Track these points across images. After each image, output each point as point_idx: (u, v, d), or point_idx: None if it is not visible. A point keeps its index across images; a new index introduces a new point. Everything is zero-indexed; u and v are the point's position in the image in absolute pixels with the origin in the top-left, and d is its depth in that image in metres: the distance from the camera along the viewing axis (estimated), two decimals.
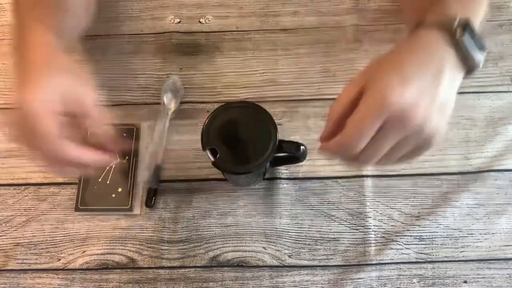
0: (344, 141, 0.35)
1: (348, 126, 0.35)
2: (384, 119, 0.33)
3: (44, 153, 0.39)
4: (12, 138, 0.40)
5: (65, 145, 0.39)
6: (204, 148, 0.45)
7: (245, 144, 0.45)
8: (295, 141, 0.48)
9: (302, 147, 0.47)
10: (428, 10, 0.39)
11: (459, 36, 0.35)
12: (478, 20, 0.38)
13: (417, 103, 0.33)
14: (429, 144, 0.36)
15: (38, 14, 0.44)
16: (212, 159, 0.44)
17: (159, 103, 0.59)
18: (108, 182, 0.55)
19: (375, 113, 0.33)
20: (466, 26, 0.36)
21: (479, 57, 0.36)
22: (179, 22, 0.64)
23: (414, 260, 0.52)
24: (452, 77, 0.35)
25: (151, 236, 0.54)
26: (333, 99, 0.58)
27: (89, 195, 0.55)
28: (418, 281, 0.52)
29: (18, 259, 0.54)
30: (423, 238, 0.53)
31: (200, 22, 0.64)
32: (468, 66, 0.36)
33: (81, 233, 0.55)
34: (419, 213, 0.54)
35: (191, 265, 0.53)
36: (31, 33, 0.42)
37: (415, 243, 0.53)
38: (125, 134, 0.57)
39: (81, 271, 0.53)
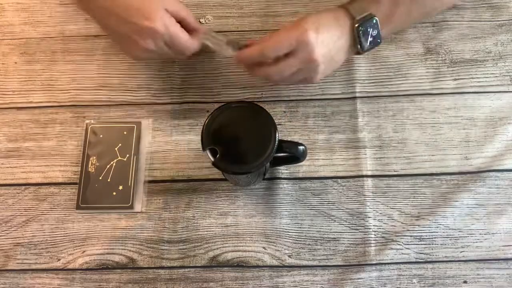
0: (261, 48, 0.48)
1: (270, 39, 0.48)
2: (294, 48, 0.47)
3: (178, 55, 0.52)
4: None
5: (191, 42, 0.51)
6: (204, 148, 0.45)
7: (245, 144, 0.45)
8: (295, 141, 0.48)
9: (302, 147, 0.47)
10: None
11: (356, 26, 0.50)
12: (395, 19, 0.52)
13: (319, 50, 0.47)
14: (312, 80, 0.51)
15: None
16: (212, 159, 0.44)
17: (159, 103, 0.59)
18: (109, 180, 0.55)
19: (291, 40, 0.47)
20: (367, 22, 0.50)
21: (368, 45, 0.51)
22: None
23: (414, 260, 0.52)
24: (345, 47, 0.51)
25: (151, 236, 0.54)
26: (333, 99, 0.59)
27: (90, 193, 0.55)
28: (418, 281, 0.52)
29: (18, 259, 0.54)
30: (423, 238, 0.53)
31: (200, 22, 0.64)
32: (357, 48, 0.51)
33: (81, 233, 0.55)
34: (419, 213, 0.54)
35: (191, 265, 0.53)
36: None
37: (415, 243, 0.53)
38: (125, 132, 0.57)
39: (81, 271, 0.53)
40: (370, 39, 0.51)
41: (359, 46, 0.51)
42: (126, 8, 0.47)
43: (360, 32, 0.50)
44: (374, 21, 0.50)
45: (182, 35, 0.49)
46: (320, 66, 0.49)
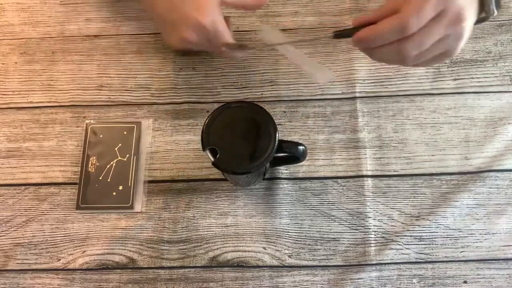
0: (400, 20, 0.37)
1: (406, 8, 0.37)
2: (443, 7, 0.37)
3: (214, 50, 0.52)
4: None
5: (235, 52, 0.51)
6: (204, 148, 0.45)
7: (245, 144, 0.45)
8: (295, 141, 0.48)
9: (302, 147, 0.47)
10: None
11: None
12: None
13: (468, 10, 0.38)
14: (452, 53, 0.41)
15: None
16: (212, 159, 0.44)
17: (159, 103, 0.59)
18: (109, 180, 0.55)
19: (436, 3, 0.36)
20: None
21: (494, 6, 0.43)
22: None
23: (414, 260, 0.52)
24: (475, 11, 0.41)
25: (151, 236, 0.54)
26: (334, 99, 0.59)
27: (90, 193, 0.55)
28: (418, 281, 0.52)
29: (18, 259, 0.54)
30: (423, 238, 0.53)
31: None
32: (484, 12, 0.43)
33: (81, 233, 0.55)
34: (419, 213, 0.54)
35: (191, 265, 0.53)
36: None
37: (415, 243, 0.53)
38: (125, 132, 0.57)
39: (81, 271, 0.53)
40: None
41: (487, 7, 0.43)
42: None
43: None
44: None
45: (226, 36, 0.49)
46: (466, 30, 0.39)
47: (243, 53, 0.55)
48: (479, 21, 0.44)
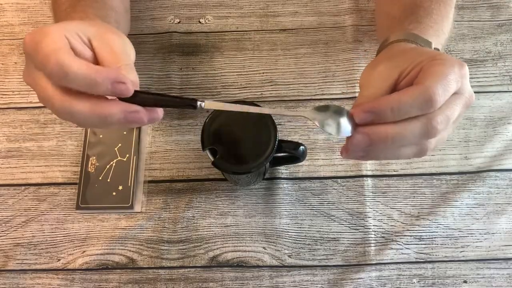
0: (419, 91, 0.31)
1: (435, 80, 0.31)
2: (461, 85, 0.33)
3: (49, 73, 0.30)
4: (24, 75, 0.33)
5: (73, 59, 0.30)
6: (204, 148, 0.45)
7: (245, 144, 0.45)
8: (295, 141, 0.48)
9: (301, 147, 0.47)
10: (393, 30, 0.42)
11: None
12: (438, 38, 0.43)
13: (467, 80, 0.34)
14: (452, 130, 0.35)
15: (82, 9, 0.40)
16: (212, 159, 0.44)
17: None
18: (109, 180, 0.55)
19: (456, 76, 0.32)
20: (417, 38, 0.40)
21: None
22: (179, 22, 0.64)
23: (414, 260, 0.52)
24: None
25: (151, 236, 0.54)
26: (333, 99, 0.59)
27: (90, 194, 0.55)
28: (418, 281, 0.52)
29: (18, 259, 0.54)
30: (423, 238, 0.53)
31: (200, 22, 0.64)
32: None
33: (81, 233, 0.55)
34: (419, 213, 0.54)
35: (191, 265, 0.53)
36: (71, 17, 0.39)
37: (415, 243, 0.53)
38: (125, 132, 0.57)
39: (81, 271, 0.53)
40: None
41: None
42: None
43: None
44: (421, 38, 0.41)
45: (51, 40, 0.30)
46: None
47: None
48: None
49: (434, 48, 0.41)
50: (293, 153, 0.47)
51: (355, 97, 0.59)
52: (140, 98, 0.32)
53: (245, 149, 0.45)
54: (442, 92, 0.31)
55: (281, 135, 0.51)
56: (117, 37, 0.34)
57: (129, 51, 0.35)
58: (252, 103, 0.46)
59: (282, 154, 0.49)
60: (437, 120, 0.31)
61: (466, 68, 0.33)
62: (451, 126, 0.34)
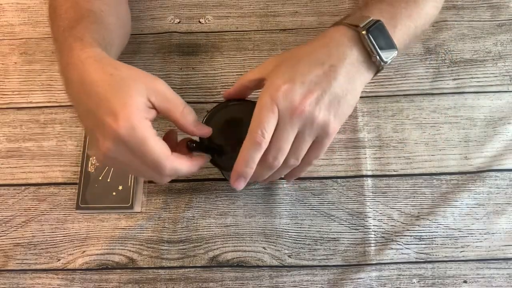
0: (249, 143, 0.38)
1: (249, 130, 0.38)
2: (278, 117, 0.37)
3: (153, 173, 0.38)
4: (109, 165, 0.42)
5: (172, 162, 0.38)
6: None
7: (243, 141, 0.45)
8: None
9: None
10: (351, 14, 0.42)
11: (363, 33, 0.38)
12: (402, 26, 0.41)
13: (303, 99, 0.37)
14: (326, 135, 0.39)
15: (79, 32, 0.42)
16: (211, 157, 0.44)
17: None
18: (108, 180, 0.55)
19: (267, 111, 0.37)
20: (374, 25, 0.38)
21: (385, 54, 0.39)
22: (179, 22, 0.64)
23: (414, 260, 0.52)
24: (352, 73, 0.38)
25: (151, 236, 0.54)
26: None
27: (90, 194, 0.55)
28: (418, 281, 0.52)
29: (18, 259, 0.54)
30: (423, 238, 0.53)
31: (200, 22, 0.64)
32: (374, 63, 0.39)
33: (81, 233, 0.55)
34: (419, 213, 0.54)
35: (191, 265, 0.53)
36: (74, 52, 0.39)
37: (415, 243, 0.53)
38: None
39: (81, 271, 0.53)
40: (383, 40, 0.39)
41: (376, 56, 0.39)
42: (95, 95, 0.36)
43: (372, 37, 0.39)
44: (381, 25, 0.39)
45: (157, 147, 0.36)
46: (319, 116, 0.38)
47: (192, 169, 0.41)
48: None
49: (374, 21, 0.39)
50: None
51: None
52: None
53: None
54: (260, 134, 0.37)
55: None
56: (162, 83, 0.39)
57: (173, 92, 0.40)
58: (250, 101, 0.46)
59: None
60: (268, 158, 0.39)
61: (280, 89, 0.37)
62: (300, 150, 0.39)
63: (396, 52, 0.40)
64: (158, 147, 0.37)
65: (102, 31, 0.44)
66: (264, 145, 0.38)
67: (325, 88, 0.37)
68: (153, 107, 0.38)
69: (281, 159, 0.39)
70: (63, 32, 0.42)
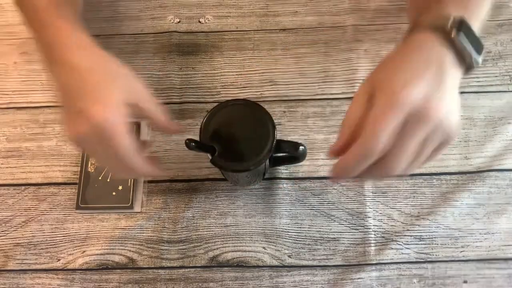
0: (361, 146, 0.34)
1: (364, 130, 0.33)
2: (402, 119, 0.33)
3: (116, 164, 0.40)
4: (80, 149, 0.44)
5: (138, 160, 0.40)
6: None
7: (244, 142, 0.45)
8: (295, 141, 0.48)
9: (301, 147, 0.47)
10: (424, 11, 0.39)
11: (454, 36, 0.35)
12: (476, 18, 0.37)
13: (428, 99, 0.33)
14: (450, 137, 0.35)
15: (61, 11, 0.43)
16: (210, 157, 0.44)
17: None
18: (108, 180, 0.55)
19: (390, 112, 0.32)
20: (460, 25, 0.36)
21: (476, 55, 0.36)
22: (179, 22, 0.64)
23: (414, 260, 0.52)
24: (452, 75, 0.36)
25: (150, 236, 0.54)
26: (333, 99, 0.59)
27: (90, 194, 0.55)
28: (418, 281, 0.52)
29: (18, 259, 0.54)
30: (423, 238, 0.53)
31: (200, 22, 0.64)
32: (466, 65, 0.37)
33: (81, 233, 0.55)
34: (419, 213, 0.54)
35: (190, 265, 0.53)
36: (61, 32, 0.41)
37: (415, 243, 0.53)
38: None
39: (81, 271, 0.53)
40: (473, 43, 0.36)
41: (469, 59, 0.36)
42: (78, 82, 0.39)
43: (461, 41, 0.35)
44: (466, 23, 0.36)
45: (124, 141, 0.38)
46: (444, 115, 0.34)
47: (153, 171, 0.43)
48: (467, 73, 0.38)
49: (459, 21, 0.36)
50: (292, 153, 0.47)
51: None
52: None
53: (244, 147, 0.44)
54: (376, 140, 0.33)
55: (280, 135, 0.51)
56: (140, 84, 0.42)
57: (149, 92, 0.42)
58: (250, 101, 0.46)
59: (281, 154, 0.48)
60: (385, 167, 0.34)
61: (401, 93, 0.33)
62: (424, 150, 0.35)
63: (484, 48, 0.37)
64: (126, 143, 0.38)
65: (75, 6, 0.47)
66: (376, 154, 0.34)
67: (440, 91, 0.34)
68: (130, 104, 0.40)
69: (399, 166, 0.34)
70: (42, 11, 0.43)
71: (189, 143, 0.42)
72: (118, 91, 0.39)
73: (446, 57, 0.35)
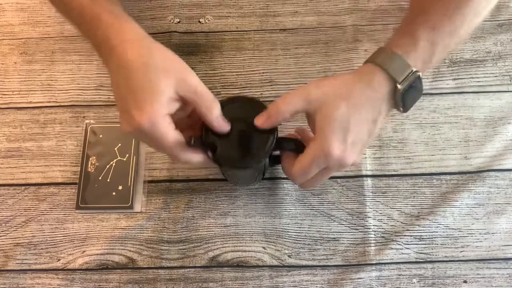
0: (293, 175, 0.44)
1: (296, 167, 0.43)
2: (326, 166, 0.42)
3: (177, 160, 0.44)
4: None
5: (185, 153, 0.42)
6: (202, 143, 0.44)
7: (245, 139, 0.45)
8: (295, 138, 0.48)
9: (299, 142, 0.47)
10: (398, 29, 0.44)
11: (400, 90, 0.41)
12: (436, 50, 0.42)
13: (350, 154, 0.41)
14: (343, 168, 0.43)
15: (109, 7, 0.43)
16: (211, 155, 0.44)
17: None
18: (108, 180, 0.55)
19: (318, 163, 0.41)
20: (412, 84, 0.41)
21: (411, 104, 0.43)
22: (179, 22, 0.64)
23: (414, 260, 0.52)
24: (382, 122, 0.43)
25: (150, 236, 0.54)
26: None
27: (90, 194, 0.55)
28: (418, 281, 0.52)
29: (18, 259, 0.54)
30: (423, 238, 0.53)
31: (200, 22, 0.64)
32: (399, 110, 0.43)
33: (80, 233, 0.55)
34: (419, 213, 0.54)
35: (190, 265, 0.53)
36: (113, 28, 0.41)
37: (415, 243, 0.53)
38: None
39: (81, 271, 0.53)
40: (414, 99, 0.43)
41: (400, 110, 0.43)
42: (128, 81, 0.40)
43: (405, 97, 0.42)
44: (418, 79, 0.41)
45: (171, 140, 0.40)
46: (352, 161, 0.42)
47: (199, 159, 0.44)
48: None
49: (412, 71, 0.41)
50: (292, 150, 0.47)
51: None
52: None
53: (245, 145, 0.44)
54: (302, 178, 0.43)
55: (281, 134, 0.50)
56: (193, 76, 0.43)
57: (202, 85, 0.43)
58: (251, 99, 0.46)
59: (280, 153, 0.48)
60: (303, 185, 0.46)
61: (335, 153, 0.40)
62: (324, 177, 0.45)
63: (420, 96, 0.43)
64: (174, 141, 0.40)
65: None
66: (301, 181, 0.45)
67: (367, 142, 0.43)
68: (180, 99, 0.41)
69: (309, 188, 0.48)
70: (89, 8, 0.43)
71: (190, 140, 0.42)
72: (167, 86, 0.39)
73: (388, 105, 0.42)
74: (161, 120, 0.39)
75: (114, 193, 0.55)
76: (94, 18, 0.42)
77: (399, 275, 0.52)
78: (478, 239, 0.53)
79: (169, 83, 0.40)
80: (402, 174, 0.56)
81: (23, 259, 0.54)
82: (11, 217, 0.55)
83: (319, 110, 0.42)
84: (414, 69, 0.41)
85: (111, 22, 0.41)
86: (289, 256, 0.53)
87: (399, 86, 0.41)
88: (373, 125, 0.42)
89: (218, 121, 0.43)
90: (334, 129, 0.41)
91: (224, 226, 0.54)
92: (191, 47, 0.62)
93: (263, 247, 0.53)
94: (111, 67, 0.41)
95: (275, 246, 0.53)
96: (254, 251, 0.53)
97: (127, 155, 0.56)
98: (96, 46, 0.43)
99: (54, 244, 0.54)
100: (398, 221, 0.54)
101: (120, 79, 0.40)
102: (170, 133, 0.40)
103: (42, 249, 0.54)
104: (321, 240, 0.53)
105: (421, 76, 0.41)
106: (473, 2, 0.43)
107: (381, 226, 0.54)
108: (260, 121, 0.43)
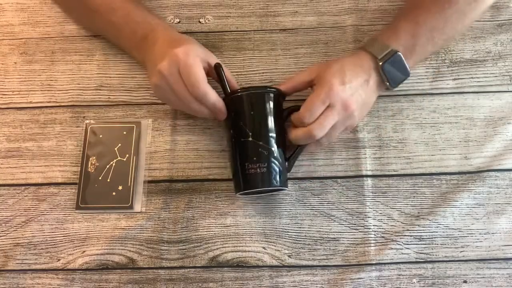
0: (300, 115, 0.50)
1: (303, 107, 0.50)
2: (328, 104, 0.49)
3: (186, 95, 0.50)
4: (156, 88, 0.51)
5: (206, 86, 0.49)
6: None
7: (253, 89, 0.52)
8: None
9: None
10: (378, 34, 0.55)
11: (380, 65, 0.52)
12: (417, 45, 0.53)
13: (351, 98, 0.50)
14: (351, 127, 0.53)
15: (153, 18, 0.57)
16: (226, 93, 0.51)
17: (159, 103, 0.59)
18: (108, 180, 0.55)
19: (323, 99, 0.49)
20: (390, 58, 0.52)
21: (395, 82, 0.54)
22: (178, 22, 0.64)
23: (414, 260, 0.52)
24: (374, 87, 0.53)
25: (150, 236, 0.54)
26: None
27: (90, 194, 0.55)
28: (418, 281, 0.52)
29: (18, 259, 0.54)
30: (423, 238, 0.53)
31: (200, 22, 0.64)
32: (386, 84, 0.54)
33: (80, 233, 0.55)
34: (418, 213, 0.54)
35: (190, 265, 0.53)
36: (151, 26, 0.55)
37: (415, 243, 0.53)
38: (125, 132, 0.57)
39: (81, 271, 0.53)
40: (398, 73, 0.53)
41: (387, 83, 0.53)
42: (168, 41, 0.52)
43: (386, 70, 0.52)
44: (398, 56, 0.52)
45: (198, 71, 0.48)
46: (356, 112, 0.50)
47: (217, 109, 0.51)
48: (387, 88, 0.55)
49: (391, 50, 0.52)
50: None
51: None
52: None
53: (254, 89, 0.52)
54: (309, 115, 0.49)
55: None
56: (215, 58, 0.54)
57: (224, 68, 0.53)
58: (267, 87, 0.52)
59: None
60: (313, 129, 0.49)
61: (337, 89, 0.49)
62: (335, 130, 0.51)
63: (407, 77, 0.54)
64: (200, 73, 0.49)
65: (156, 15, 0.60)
66: (309, 121, 0.49)
67: (362, 94, 0.51)
68: (204, 61, 0.51)
69: (321, 135, 0.49)
70: (131, 18, 0.56)
71: (219, 66, 0.51)
72: (196, 49, 0.51)
73: (374, 75, 0.52)
74: (194, 56, 0.49)
75: (114, 193, 0.55)
76: (138, 21, 0.56)
77: (399, 275, 0.52)
78: (478, 239, 0.53)
79: (199, 52, 0.51)
80: (402, 174, 0.56)
81: (23, 259, 0.54)
82: (11, 217, 0.56)
83: (319, 73, 0.51)
84: (394, 49, 0.52)
85: (157, 22, 0.56)
86: (289, 256, 0.53)
87: (380, 63, 0.52)
88: (366, 84, 0.52)
89: (219, 104, 0.51)
90: (332, 73, 0.50)
91: (224, 226, 0.54)
92: None
93: (263, 247, 0.53)
94: (150, 47, 0.53)
95: (275, 246, 0.53)
96: (254, 251, 0.53)
97: (127, 155, 0.56)
98: (141, 39, 0.55)
99: (54, 244, 0.54)
100: (398, 221, 0.54)
101: (157, 46, 0.52)
102: (199, 66, 0.49)
103: (42, 249, 0.54)
104: (321, 240, 0.54)
105: (402, 57, 0.52)
106: (457, 4, 0.52)
107: (381, 226, 0.54)
108: (282, 86, 0.53)
